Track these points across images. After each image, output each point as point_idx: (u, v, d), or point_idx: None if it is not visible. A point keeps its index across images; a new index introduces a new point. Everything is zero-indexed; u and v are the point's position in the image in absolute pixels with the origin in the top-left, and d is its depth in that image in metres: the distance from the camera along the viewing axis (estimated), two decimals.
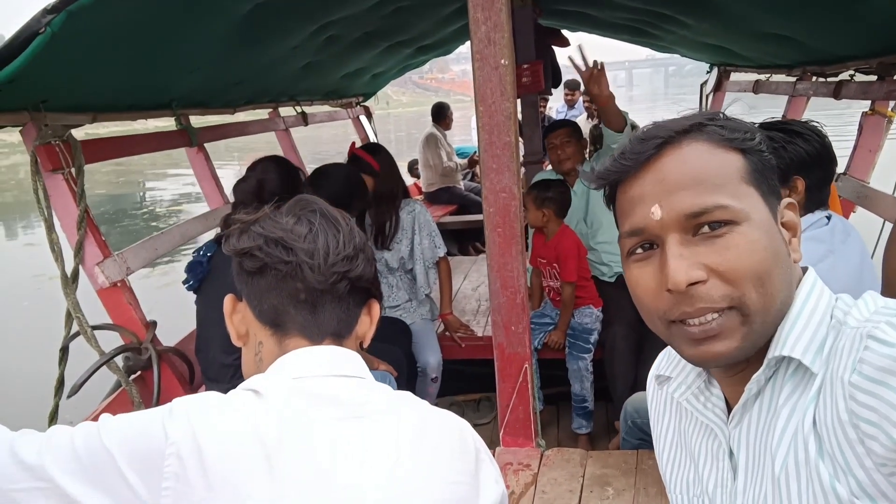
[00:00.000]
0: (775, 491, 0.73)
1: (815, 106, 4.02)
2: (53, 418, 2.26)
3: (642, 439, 2.18)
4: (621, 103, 2.93)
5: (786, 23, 2.80)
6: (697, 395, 0.86)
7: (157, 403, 2.34)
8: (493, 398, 2.87)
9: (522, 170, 3.69)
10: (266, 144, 4.58)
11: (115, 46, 2.01)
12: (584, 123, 6.43)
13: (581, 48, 2.97)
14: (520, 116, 4.27)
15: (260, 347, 0.95)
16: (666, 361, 0.92)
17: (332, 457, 0.83)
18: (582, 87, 6.73)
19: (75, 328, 2.26)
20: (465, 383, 3.62)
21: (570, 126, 3.35)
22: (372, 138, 5.85)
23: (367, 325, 1.00)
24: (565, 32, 4.83)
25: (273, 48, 2.92)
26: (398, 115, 51.05)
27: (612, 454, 2.32)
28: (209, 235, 3.03)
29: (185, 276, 2.33)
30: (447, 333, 3.30)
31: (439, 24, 4.22)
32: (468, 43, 2.14)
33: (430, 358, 3.03)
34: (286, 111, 4.62)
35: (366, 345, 1.01)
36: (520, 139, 2.52)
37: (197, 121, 3.36)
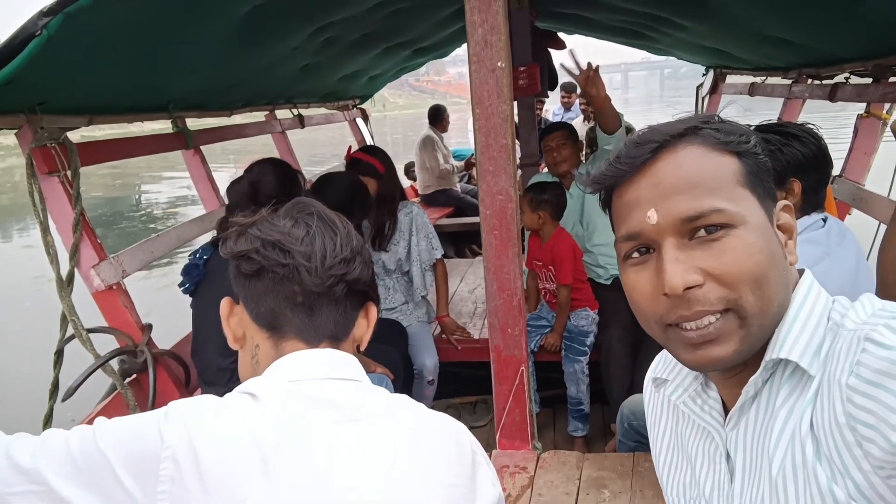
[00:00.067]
0: (772, 493, 0.73)
1: (811, 108, 4.03)
2: (48, 422, 2.25)
3: (639, 442, 2.18)
4: (617, 106, 2.94)
5: (782, 25, 2.81)
6: (694, 398, 0.86)
7: (153, 407, 2.33)
8: (489, 401, 2.87)
9: (519, 172, 3.70)
10: (263, 147, 4.58)
11: (113, 48, 2.01)
12: (581, 126, 6.43)
13: (572, 53, 2.98)
14: (516, 119, 4.28)
15: (256, 350, 0.95)
16: (663, 364, 0.92)
17: (328, 460, 0.83)
18: (578, 90, 6.75)
19: (70, 331, 2.25)
20: (461, 386, 3.61)
21: (566, 128, 3.35)
22: (368, 140, 5.86)
23: (364, 328, 1.00)
24: (562, 35, 4.84)
25: (271, 50, 2.92)
26: (394, 117, 51.11)
27: (609, 457, 2.32)
28: (205, 238, 3.02)
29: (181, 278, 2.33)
30: (444, 336, 3.29)
31: (436, 27, 4.23)
32: (465, 45, 2.14)
33: (427, 360, 3.03)
34: (283, 113, 4.62)
35: (363, 348, 1.01)
36: (516, 141, 2.52)
37: (193, 123, 3.36)
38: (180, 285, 2.33)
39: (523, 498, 2.11)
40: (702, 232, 0.71)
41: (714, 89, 5.42)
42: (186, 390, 2.60)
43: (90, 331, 2.29)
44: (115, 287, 2.38)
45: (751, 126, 1.31)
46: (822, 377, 0.70)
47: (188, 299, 2.36)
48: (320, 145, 21.55)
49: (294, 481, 0.80)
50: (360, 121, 5.90)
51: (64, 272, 2.24)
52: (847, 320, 0.71)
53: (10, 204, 15.92)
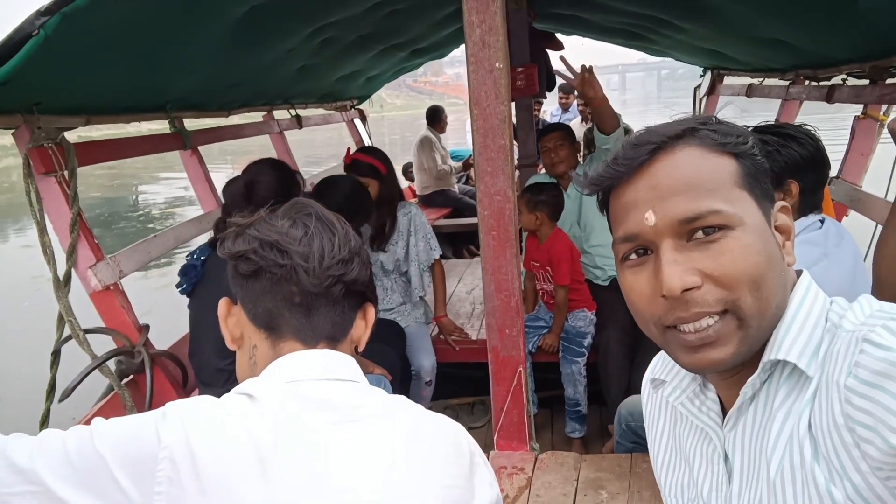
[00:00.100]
0: (770, 495, 0.73)
1: (808, 110, 4.04)
2: (45, 422, 2.24)
3: (636, 443, 2.18)
4: (614, 107, 2.94)
5: (780, 27, 2.81)
6: (692, 399, 0.86)
7: (150, 407, 2.33)
8: (487, 401, 2.86)
9: (517, 173, 3.69)
10: (260, 148, 4.57)
11: (110, 48, 2.00)
12: (579, 127, 6.44)
13: (563, 59, 2.99)
14: (514, 120, 4.28)
15: (254, 351, 0.95)
16: (660, 365, 0.92)
17: (326, 461, 0.83)
18: (576, 91, 6.75)
19: (67, 331, 2.25)
20: (459, 386, 3.61)
21: (563, 129, 3.36)
22: (366, 141, 5.85)
23: (361, 329, 1.00)
24: (560, 36, 4.84)
25: (269, 50, 2.91)
26: (392, 118, 51.07)
27: (606, 458, 2.32)
28: (203, 239, 3.02)
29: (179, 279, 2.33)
30: (441, 336, 3.29)
31: (434, 27, 4.23)
32: (463, 46, 2.14)
33: (425, 361, 3.02)
34: (280, 114, 4.61)
35: (361, 349, 1.01)
36: (514, 142, 2.52)
37: (191, 124, 3.35)
38: (178, 286, 2.33)
39: (521, 499, 2.11)
40: (699, 233, 0.71)
41: (711, 90, 5.43)
42: (184, 391, 2.60)
43: (87, 331, 2.29)
44: (112, 287, 2.38)
45: (748, 127, 1.31)
46: (820, 378, 0.70)
47: (186, 300, 2.36)
48: (318, 146, 21.55)
49: (291, 482, 0.80)
50: (357, 121, 5.90)
51: (61, 272, 2.23)
52: (845, 321, 0.71)
53: (8, 204, 15.89)
